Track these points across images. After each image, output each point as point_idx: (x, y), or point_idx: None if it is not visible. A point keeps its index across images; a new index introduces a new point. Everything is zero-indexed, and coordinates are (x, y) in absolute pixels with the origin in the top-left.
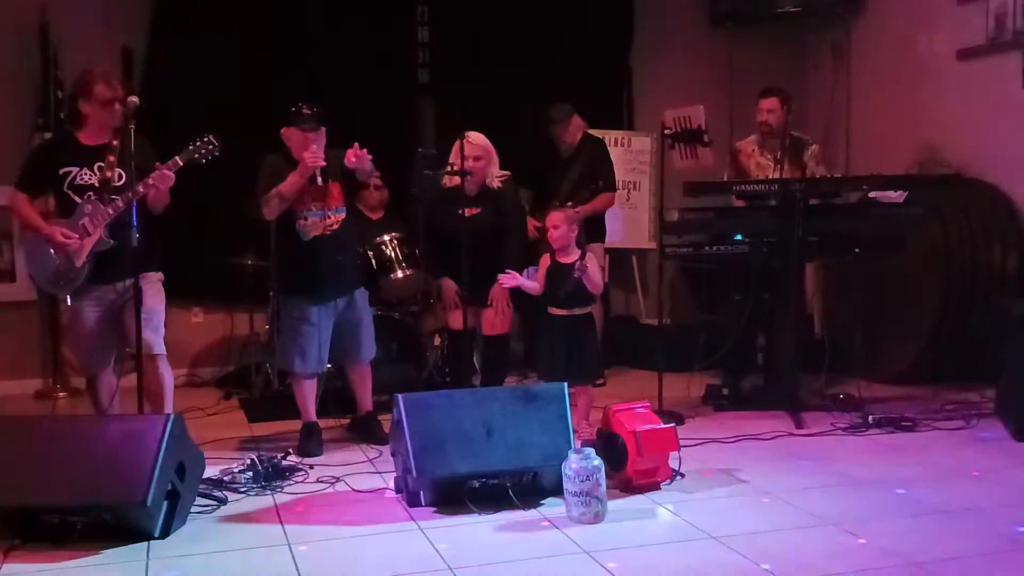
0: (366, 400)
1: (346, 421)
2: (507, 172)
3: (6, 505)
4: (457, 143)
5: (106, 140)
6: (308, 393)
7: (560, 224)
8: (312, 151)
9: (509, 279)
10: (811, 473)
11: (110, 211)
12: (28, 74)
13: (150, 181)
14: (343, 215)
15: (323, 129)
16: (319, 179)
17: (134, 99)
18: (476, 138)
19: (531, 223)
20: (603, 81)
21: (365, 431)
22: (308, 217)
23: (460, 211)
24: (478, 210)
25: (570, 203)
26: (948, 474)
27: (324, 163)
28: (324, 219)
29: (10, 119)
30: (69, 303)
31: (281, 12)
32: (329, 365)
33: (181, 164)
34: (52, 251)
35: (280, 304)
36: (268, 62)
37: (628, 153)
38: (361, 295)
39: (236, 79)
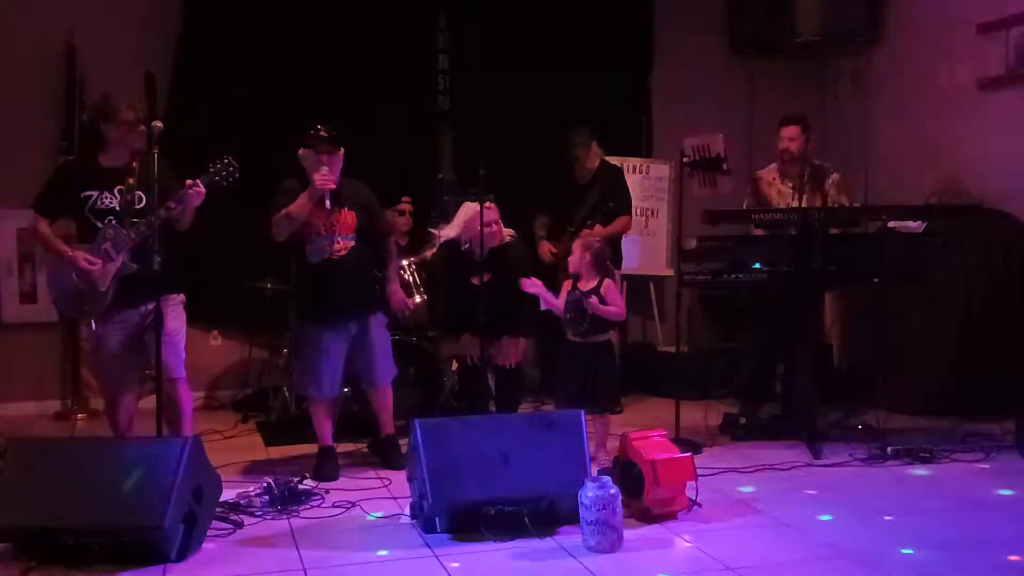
0: (387, 422)
1: (362, 445)
2: (512, 231)
3: (24, 526)
4: (467, 206)
5: (125, 163)
6: (324, 417)
7: (575, 250)
8: (322, 173)
9: (533, 286)
10: (829, 504)
11: (132, 235)
12: (53, 97)
13: (171, 205)
14: (352, 243)
15: (340, 152)
16: (328, 202)
17: (158, 124)
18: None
19: (547, 248)
20: (622, 108)
21: (383, 455)
22: (315, 240)
23: (471, 278)
24: (488, 276)
25: (589, 221)
26: (967, 507)
27: (334, 186)
28: (332, 243)
29: (34, 141)
30: (94, 328)
31: (303, 39)
32: (347, 389)
33: (201, 187)
34: (75, 276)
35: (296, 328)
36: (290, 88)
37: (646, 180)
38: (376, 320)
39: (258, 106)
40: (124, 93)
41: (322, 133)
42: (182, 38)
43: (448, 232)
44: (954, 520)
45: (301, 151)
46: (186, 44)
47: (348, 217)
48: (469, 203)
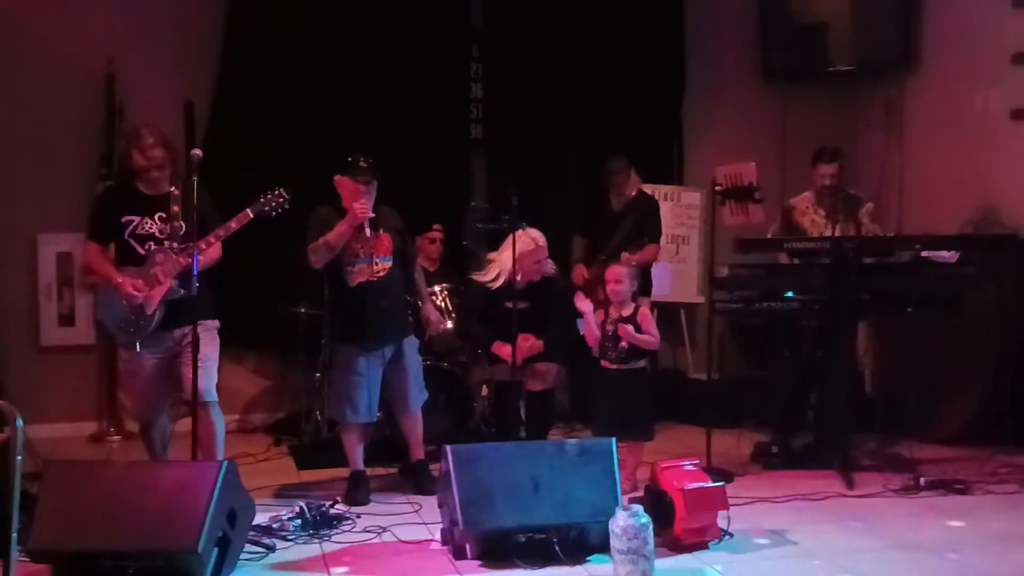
0: (417, 448)
1: (394, 470)
2: (553, 264)
3: (61, 549)
4: (518, 236)
5: (166, 190)
6: (356, 442)
7: (623, 279)
8: (362, 203)
9: (583, 303)
10: (862, 536)
11: (181, 261)
12: (94, 124)
13: (221, 232)
14: (390, 264)
15: (376, 182)
16: (367, 230)
17: (197, 152)
18: (536, 235)
19: (582, 271)
20: (654, 136)
21: (414, 480)
22: (355, 264)
23: (506, 303)
24: (526, 304)
25: (621, 249)
26: (1001, 540)
27: (372, 215)
28: (371, 266)
29: (74, 168)
30: (138, 350)
31: (338, 68)
32: (380, 413)
33: (252, 216)
34: (123, 300)
35: (331, 352)
36: (326, 116)
37: (678, 207)
38: (410, 344)
39: (295, 133)
40: (163, 121)
41: (361, 163)
42: (222, 68)
43: (501, 270)
44: (989, 553)
45: (337, 177)
46: (225, 74)
47: (385, 239)
48: (519, 233)
